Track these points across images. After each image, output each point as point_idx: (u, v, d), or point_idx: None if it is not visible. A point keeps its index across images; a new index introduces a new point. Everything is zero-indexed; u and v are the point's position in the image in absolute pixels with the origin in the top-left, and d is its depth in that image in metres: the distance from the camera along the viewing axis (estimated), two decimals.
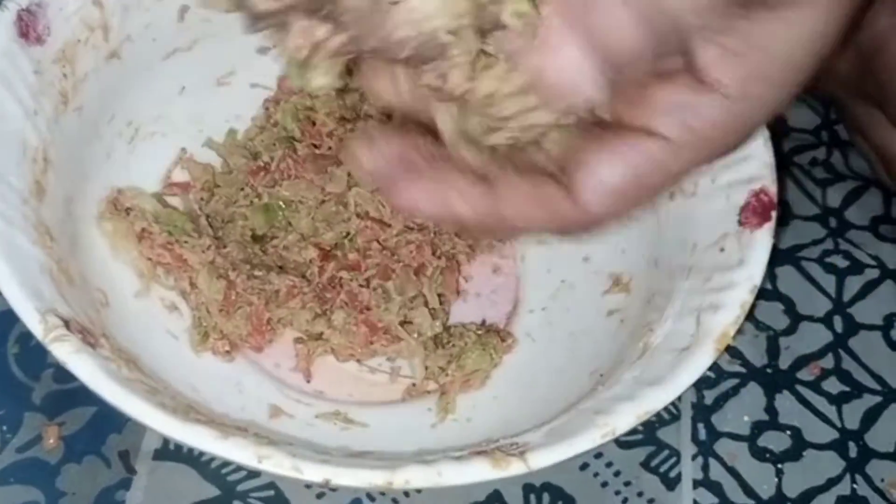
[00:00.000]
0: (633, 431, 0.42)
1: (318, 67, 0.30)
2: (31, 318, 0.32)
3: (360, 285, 0.43)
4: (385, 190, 0.32)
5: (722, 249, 0.38)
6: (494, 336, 0.43)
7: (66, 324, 0.33)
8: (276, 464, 0.31)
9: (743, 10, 0.30)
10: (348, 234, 0.44)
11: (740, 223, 0.38)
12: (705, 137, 0.31)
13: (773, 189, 0.38)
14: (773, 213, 0.38)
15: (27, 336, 0.42)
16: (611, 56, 0.30)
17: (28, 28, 0.38)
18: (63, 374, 0.42)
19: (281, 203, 0.44)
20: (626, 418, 0.33)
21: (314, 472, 0.31)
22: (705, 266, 0.38)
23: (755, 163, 0.39)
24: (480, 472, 0.31)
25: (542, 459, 0.32)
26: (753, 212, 0.38)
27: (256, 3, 0.29)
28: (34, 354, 0.42)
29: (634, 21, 0.29)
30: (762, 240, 0.37)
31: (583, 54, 0.29)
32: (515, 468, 0.31)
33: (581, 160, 0.32)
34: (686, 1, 0.30)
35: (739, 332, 0.46)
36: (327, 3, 0.28)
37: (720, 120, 0.31)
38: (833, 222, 0.51)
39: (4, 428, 0.41)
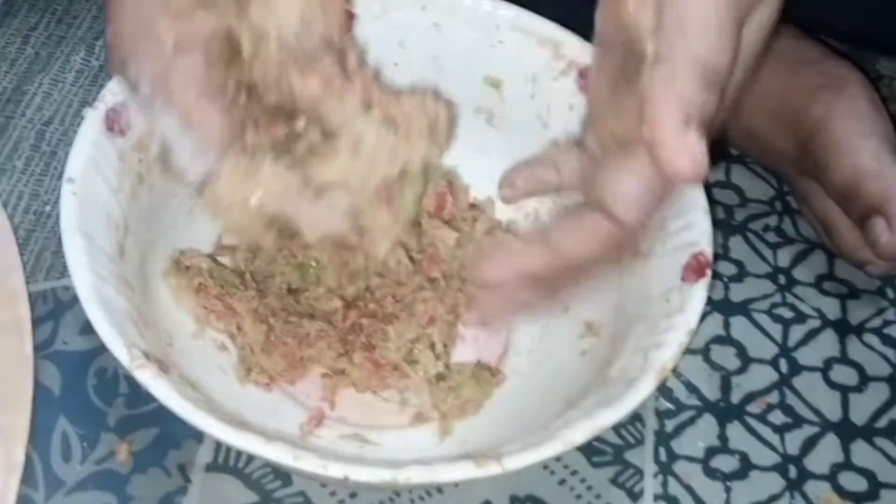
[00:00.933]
0: (604, 453, 0.51)
1: None
2: (121, 351, 0.41)
3: (374, 330, 0.51)
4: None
5: (668, 300, 0.46)
6: (487, 372, 0.51)
7: (146, 355, 0.41)
8: (308, 462, 0.39)
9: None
10: (368, 287, 0.52)
11: (682, 279, 0.46)
12: None
13: (709, 251, 0.46)
14: (708, 271, 0.46)
15: (103, 370, 0.51)
16: None
17: (113, 123, 0.47)
18: (132, 401, 0.50)
19: (312, 262, 0.51)
20: (582, 432, 0.41)
21: (336, 469, 0.39)
22: (654, 313, 0.46)
23: (696, 231, 0.47)
24: (466, 471, 0.39)
25: (514, 462, 0.40)
26: (692, 270, 0.46)
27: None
28: (109, 385, 0.50)
29: None
30: (698, 292, 0.45)
31: None
32: (493, 469, 0.39)
33: (601, 186, 0.40)
34: None
35: (697, 370, 0.54)
36: None
37: None
38: (782, 279, 0.59)
39: (85, 444, 0.49)
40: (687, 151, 0.37)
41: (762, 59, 0.42)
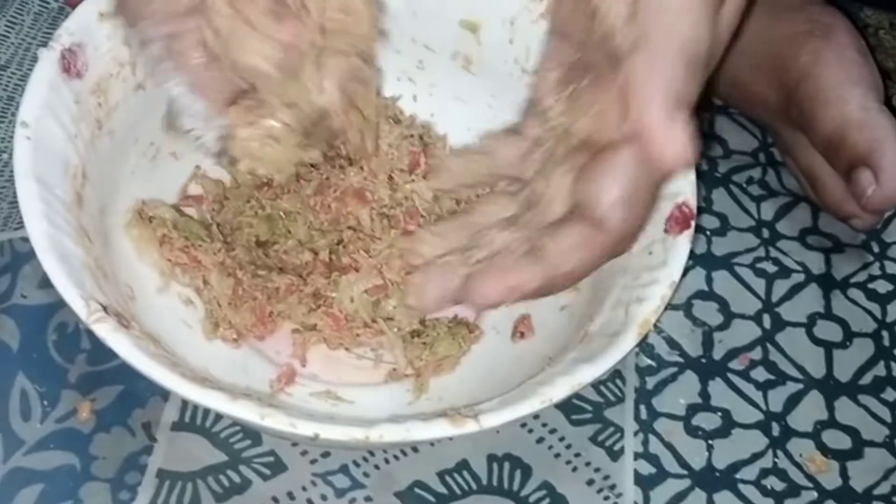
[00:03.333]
0: (583, 411, 0.50)
1: None
2: (77, 303, 0.39)
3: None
4: (461, 297, 0.41)
5: (650, 252, 0.44)
6: (463, 327, 0.49)
7: (105, 308, 0.39)
8: (276, 421, 0.37)
9: None
10: (341, 241, 0.50)
11: (665, 230, 0.44)
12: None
13: (693, 202, 0.45)
14: (692, 223, 0.44)
15: (63, 325, 0.49)
16: None
17: (70, 65, 0.45)
18: (95, 358, 0.49)
19: (281, 213, 0.50)
20: (562, 389, 0.40)
21: (306, 428, 0.37)
22: (637, 266, 0.44)
23: (680, 179, 0.45)
24: (441, 429, 0.38)
25: (491, 420, 0.38)
26: (676, 221, 0.44)
27: None
28: (70, 341, 0.49)
29: None
30: (682, 244, 0.44)
31: None
32: (470, 427, 0.38)
33: (584, 189, 0.39)
34: None
35: (678, 326, 0.53)
36: None
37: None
38: (766, 233, 0.57)
39: (45, 402, 0.47)
40: (677, 139, 0.36)
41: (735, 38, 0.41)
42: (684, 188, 0.45)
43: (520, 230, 0.42)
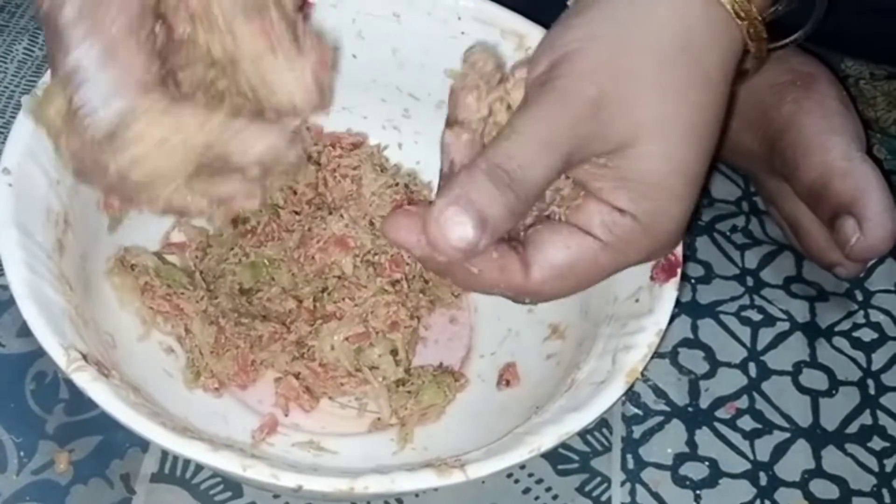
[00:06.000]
0: (570, 461, 0.49)
1: None
2: (57, 352, 0.38)
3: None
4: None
5: (637, 300, 0.44)
6: (449, 376, 0.49)
7: (85, 357, 0.39)
8: (258, 472, 0.37)
9: (605, 160, 0.39)
10: (325, 288, 0.50)
11: (651, 278, 0.44)
12: (625, 241, 0.40)
13: (679, 250, 0.45)
14: (679, 270, 0.44)
15: (42, 375, 0.49)
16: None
17: None
18: (73, 408, 0.48)
19: (265, 261, 0.50)
20: (549, 438, 0.39)
21: (289, 479, 0.37)
22: (623, 314, 0.44)
23: None
24: (427, 480, 0.37)
25: (478, 470, 0.38)
26: (662, 269, 0.44)
27: None
28: (48, 391, 0.48)
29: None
30: (668, 292, 0.44)
31: None
32: (456, 477, 0.37)
33: (536, 240, 0.40)
34: None
35: (665, 374, 0.53)
36: None
37: (633, 228, 0.40)
38: (750, 281, 0.57)
39: (22, 453, 0.46)
40: (440, 227, 0.37)
41: None
42: None
43: None
